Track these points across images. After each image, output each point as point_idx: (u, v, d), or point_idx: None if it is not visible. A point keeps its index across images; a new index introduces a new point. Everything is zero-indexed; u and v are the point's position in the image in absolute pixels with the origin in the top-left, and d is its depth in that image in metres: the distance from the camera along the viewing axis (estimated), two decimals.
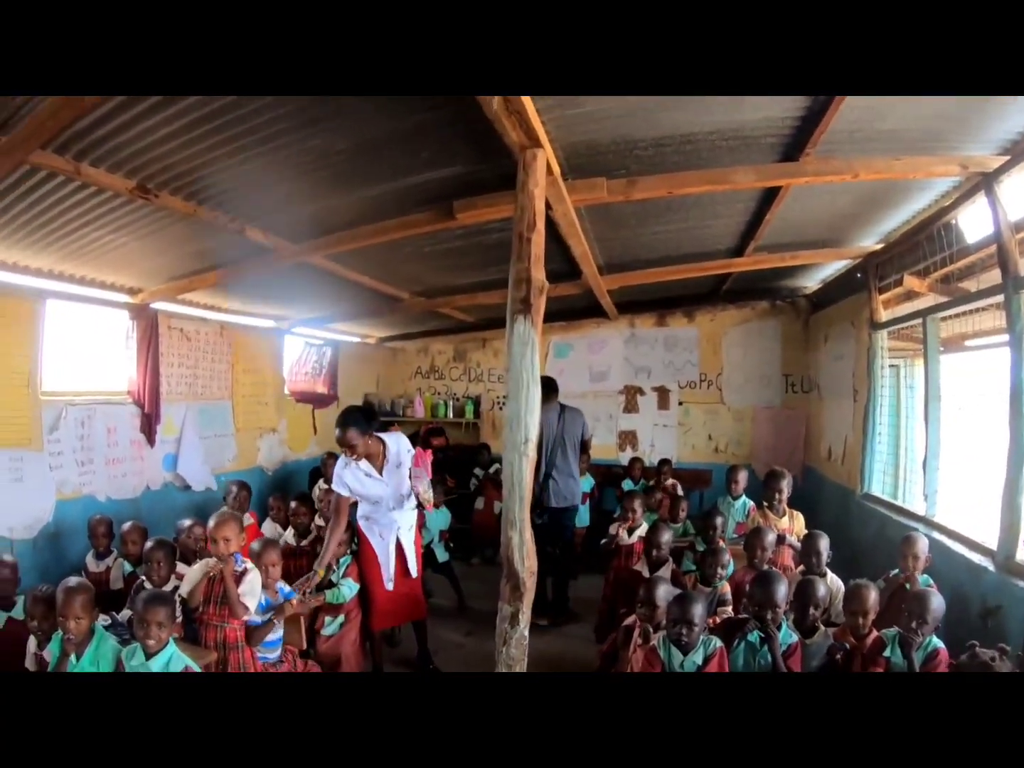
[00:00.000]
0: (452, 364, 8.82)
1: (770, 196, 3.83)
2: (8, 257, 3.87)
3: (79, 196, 3.13)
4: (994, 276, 3.40)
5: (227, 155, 2.88)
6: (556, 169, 3.07)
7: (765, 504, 4.47)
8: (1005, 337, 3.25)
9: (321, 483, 5.70)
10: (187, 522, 4.05)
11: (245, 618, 3.03)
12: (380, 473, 3.90)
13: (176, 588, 3.20)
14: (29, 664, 2.81)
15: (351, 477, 3.88)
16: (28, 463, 4.13)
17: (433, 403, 8.57)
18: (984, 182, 3.27)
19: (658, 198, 3.64)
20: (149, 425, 4.99)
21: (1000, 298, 3.31)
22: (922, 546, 3.30)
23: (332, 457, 5.67)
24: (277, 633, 3.28)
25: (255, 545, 3.37)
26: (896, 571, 3.37)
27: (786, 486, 4.43)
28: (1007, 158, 3.14)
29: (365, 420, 3.79)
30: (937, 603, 2.64)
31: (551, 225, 3.70)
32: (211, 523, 3.14)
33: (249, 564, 3.13)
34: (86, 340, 4.88)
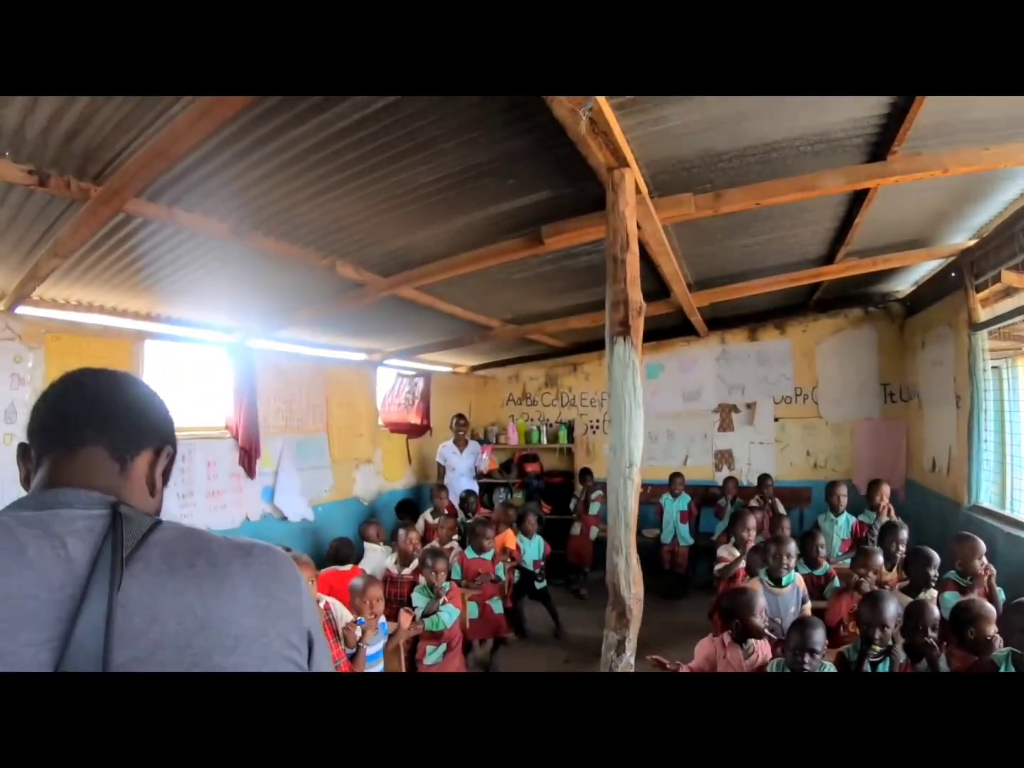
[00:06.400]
0: (544, 390, 8.78)
1: (859, 199, 3.70)
2: (107, 301, 4.08)
3: (174, 240, 3.26)
4: None
5: (316, 194, 2.96)
6: (643, 188, 3.05)
7: None
8: None
9: (428, 515, 5.90)
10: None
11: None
12: None
13: None
14: None
15: None
16: None
17: (527, 429, 8.52)
18: None
19: (745, 210, 3.55)
20: (248, 458, 5.15)
21: None
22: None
23: (441, 488, 6.16)
24: (377, 665, 3.29)
25: (357, 581, 3.41)
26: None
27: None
28: None
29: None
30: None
31: (639, 245, 3.71)
32: (358, 584, 3.35)
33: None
34: (185, 378, 5.13)
